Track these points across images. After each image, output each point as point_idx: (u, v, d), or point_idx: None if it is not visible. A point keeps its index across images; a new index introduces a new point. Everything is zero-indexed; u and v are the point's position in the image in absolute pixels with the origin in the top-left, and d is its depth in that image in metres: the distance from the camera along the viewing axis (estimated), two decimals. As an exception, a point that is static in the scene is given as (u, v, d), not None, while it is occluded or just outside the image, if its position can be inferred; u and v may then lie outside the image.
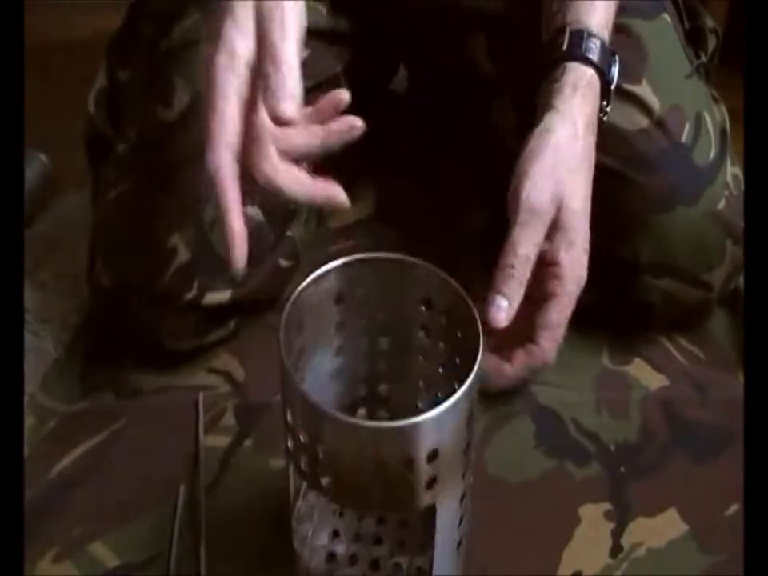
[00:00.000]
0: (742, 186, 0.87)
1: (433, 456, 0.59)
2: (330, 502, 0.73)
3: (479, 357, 0.60)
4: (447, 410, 0.57)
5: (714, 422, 0.83)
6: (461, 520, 0.65)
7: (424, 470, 0.59)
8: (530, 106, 0.89)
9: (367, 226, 1.05)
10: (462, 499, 0.64)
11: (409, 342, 0.71)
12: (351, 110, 1.05)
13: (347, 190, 1.06)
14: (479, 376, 0.60)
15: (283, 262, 0.92)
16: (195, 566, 0.73)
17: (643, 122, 0.84)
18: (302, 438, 0.60)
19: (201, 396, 0.86)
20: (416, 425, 0.57)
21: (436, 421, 0.57)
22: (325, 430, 0.58)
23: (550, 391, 0.86)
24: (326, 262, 0.66)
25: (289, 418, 0.61)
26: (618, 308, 0.90)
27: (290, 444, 0.63)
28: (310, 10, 0.90)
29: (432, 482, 0.60)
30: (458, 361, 0.67)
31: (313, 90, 0.92)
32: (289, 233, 0.94)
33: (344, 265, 0.67)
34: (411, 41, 1.00)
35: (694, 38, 0.91)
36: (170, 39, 0.87)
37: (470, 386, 0.59)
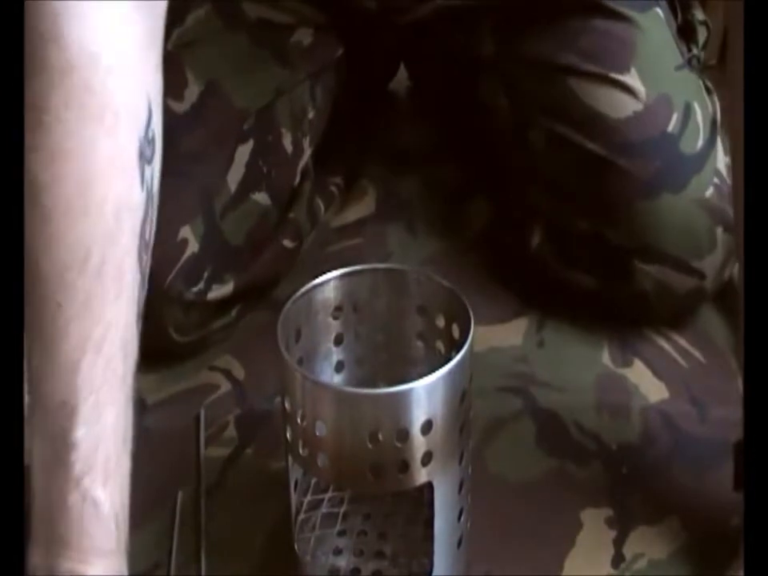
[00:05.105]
0: None
1: (427, 428, 0.60)
2: (326, 483, 0.74)
3: (471, 332, 0.62)
4: (440, 380, 0.60)
5: (714, 437, 0.82)
6: (460, 513, 0.65)
7: (419, 442, 0.60)
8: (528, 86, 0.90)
9: (367, 225, 1.05)
10: (460, 487, 0.64)
11: (407, 353, 0.72)
12: (352, 110, 1.06)
13: (348, 189, 1.07)
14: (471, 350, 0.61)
15: (287, 243, 0.94)
16: (196, 574, 0.73)
17: (629, 109, 0.85)
18: (300, 420, 0.62)
19: (202, 411, 0.86)
20: (410, 391, 0.59)
21: (429, 389, 0.59)
22: (323, 403, 0.60)
23: (551, 394, 0.86)
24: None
25: (287, 405, 0.62)
26: (614, 297, 0.91)
27: (288, 435, 0.64)
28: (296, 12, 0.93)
29: (427, 459, 0.61)
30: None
31: (315, 75, 0.94)
32: (291, 214, 0.95)
33: (341, 276, 0.68)
34: (413, 30, 1.00)
35: (685, 31, 0.93)
36: (182, 31, 0.88)
37: (463, 358, 0.61)
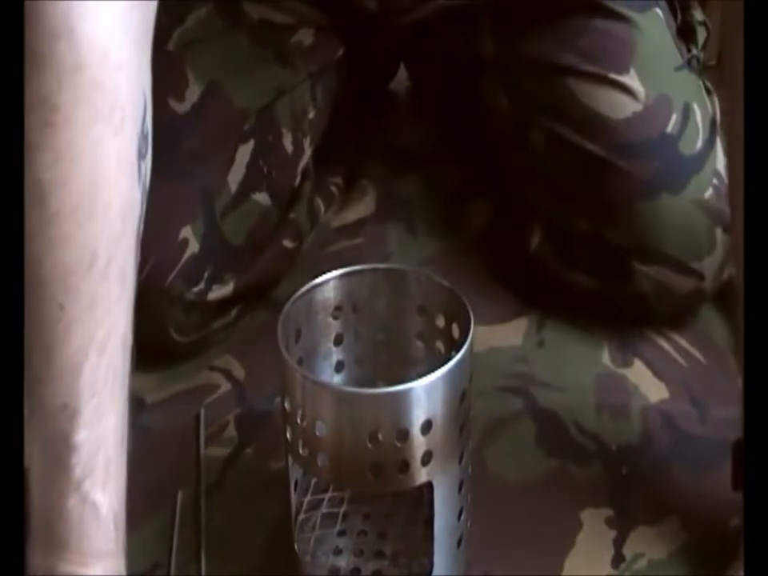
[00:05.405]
0: None
1: (427, 428, 0.60)
2: (326, 483, 0.74)
3: (471, 332, 0.62)
4: (440, 379, 0.60)
5: (714, 437, 0.82)
6: (460, 513, 0.66)
7: (419, 442, 0.60)
8: (528, 86, 0.91)
9: (367, 225, 1.05)
10: (460, 487, 0.64)
11: (407, 353, 0.72)
12: (352, 110, 1.06)
13: (348, 189, 1.07)
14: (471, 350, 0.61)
15: (287, 243, 0.94)
16: (196, 574, 0.73)
17: (628, 109, 0.85)
18: (300, 420, 0.62)
19: (202, 411, 0.86)
20: (409, 391, 0.59)
21: (429, 389, 0.59)
22: (323, 403, 0.60)
23: (551, 394, 0.86)
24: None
25: (287, 405, 0.62)
26: (614, 297, 0.91)
27: (288, 435, 0.64)
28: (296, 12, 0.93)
29: (427, 459, 0.61)
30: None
31: (316, 75, 0.94)
32: (292, 214, 0.95)
33: (340, 276, 0.68)
34: (413, 31, 1.00)
35: (685, 32, 0.93)
36: (183, 31, 0.88)
37: (462, 358, 0.61)
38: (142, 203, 0.61)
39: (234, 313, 0.92)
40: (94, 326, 0.57)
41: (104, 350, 0.58)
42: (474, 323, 0.63)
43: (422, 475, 0.62)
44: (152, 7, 0.62)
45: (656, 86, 0.87)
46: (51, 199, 0.56)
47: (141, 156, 0.60)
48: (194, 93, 0.87)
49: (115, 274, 0.58)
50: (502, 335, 0.93)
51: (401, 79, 1.16)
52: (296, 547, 0.70)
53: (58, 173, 0.56)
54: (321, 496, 0.75)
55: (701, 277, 0.87)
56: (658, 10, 0.91)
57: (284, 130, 0.92)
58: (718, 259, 0.87)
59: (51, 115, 0.56)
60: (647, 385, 0.87)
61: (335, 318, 0.70)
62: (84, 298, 0.57)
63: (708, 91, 0.92)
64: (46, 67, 0.56)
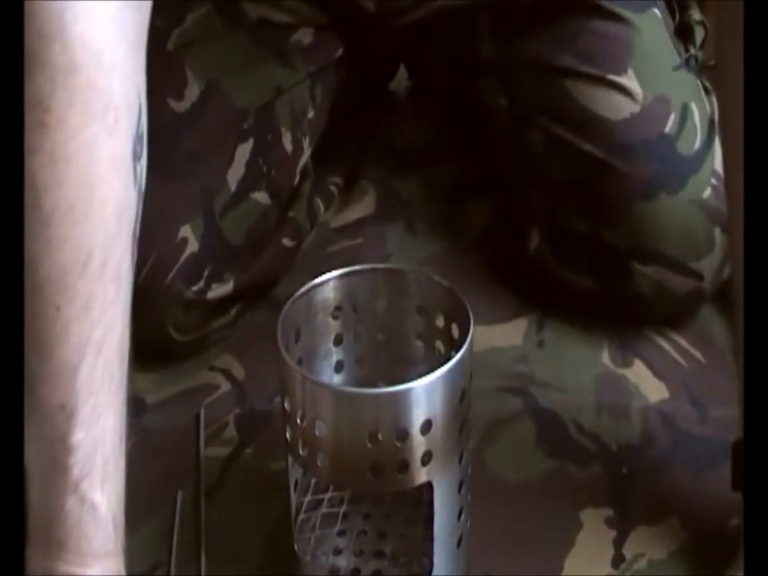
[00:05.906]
0: None
1: (426, 428, 0.60)
2: (326, 483, 0.74)
3: (470, 332, 0.62)
4: (439, 379, 0.60)
5: (714, 437, 0.82)
6: (460, 513, 0.66)
7: (418, 441, 0.60)
8: (527, 87, 0.91)
9: (367, 225, 1.05)
10: (459, 487, 0.64)
11: (407, 353, 0.72)
12: (352, 109, 1.06)
13: (348, 189, 1.07)
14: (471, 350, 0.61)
15: (287, 242, 0.94)
16: (196, 574, 0.73)
17: (626, 110, 0.86)
18: (300, 420, 0.62)
19: (202, 411, 0.86)
20: (409, 391, 0.59)
21: (428, 389, 0.59)
22: (323, 403, 0.60)
23: (551, 394, 0.86)
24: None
25: (287, 405, 0.63)
26: (613, 298, 0.91)
27: (288, 435, 0.64)
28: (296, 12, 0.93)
29: (427, 458, 0.61)
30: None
31: (315, 74, 0.94)
32: (291, 213, 0.95)
33: (340, 276, 0.68)
34: (413, 31, 1.00)
35: (683, 32, 0.93)
36: (182, 30, 0.88)
37: (462, 358, 0.61)
38: (137, 204, 0.61)
39: (233, 312, 0.92)
40: (90, 326, 0.57)
41: (101, 350, 0.58)
42: (474, 323, 0.63)
43: (421, 475, 0.62)
44: (146, 7, 0.62)
45: (654, 87, 0.87)
46: (46, 200, 0.56)
47: (136, 157, 0.60)
48: (193, 92, 0.87)
49: (111, 274, 0.58)
50: (502, 335, 0.93)
51: (401, 79, 1.16)
52: (296, 547, 0.70)
53: (53, 174, 0.56)
54: (321, 496, 0.75)
55: (700, 277, 0.87)
56: (656, 10, 0.91)
57: (283, 130, 0.92)
58: (716, 259, 0.87)
59: (45, 116, 0.56)
60: (647, 385, 0.87)
61: (335, 318, 0.70)
62: (80, 299, 0.57)
63: (706, 91, 0.92)
64: (40, 69, 0.56)
